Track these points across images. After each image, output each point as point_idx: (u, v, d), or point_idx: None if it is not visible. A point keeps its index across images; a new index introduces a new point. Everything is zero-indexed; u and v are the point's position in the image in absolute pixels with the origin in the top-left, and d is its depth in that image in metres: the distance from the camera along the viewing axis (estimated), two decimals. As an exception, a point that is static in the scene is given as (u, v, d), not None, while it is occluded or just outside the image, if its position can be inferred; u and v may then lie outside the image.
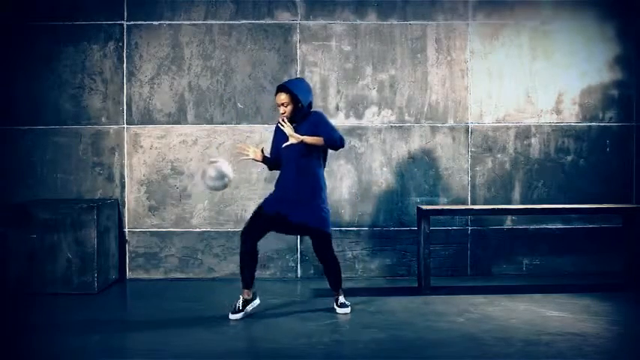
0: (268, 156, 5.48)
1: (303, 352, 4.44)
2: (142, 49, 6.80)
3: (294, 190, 5.24)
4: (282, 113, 5.25)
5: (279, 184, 5.35)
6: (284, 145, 5.22)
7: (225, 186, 5.16)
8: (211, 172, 5.07)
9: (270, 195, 5.38)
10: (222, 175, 5.07)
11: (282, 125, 5.21)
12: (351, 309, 5.40)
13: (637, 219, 6.33)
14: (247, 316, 5.29)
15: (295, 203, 5.23)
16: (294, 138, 5.15)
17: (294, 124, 5.25)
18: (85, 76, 6.80)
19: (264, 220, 5.28)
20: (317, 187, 5.27)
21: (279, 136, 5.37)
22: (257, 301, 5.39)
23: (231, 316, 5.25)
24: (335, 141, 5.21)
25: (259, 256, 6.84)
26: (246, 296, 5.30)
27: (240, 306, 5.28)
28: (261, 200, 5.43)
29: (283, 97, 5.22)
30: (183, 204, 6.81)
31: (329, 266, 5.37)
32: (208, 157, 6.77)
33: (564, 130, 6.94)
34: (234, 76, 6.83)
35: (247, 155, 5.38)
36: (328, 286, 6.01)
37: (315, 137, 5.19)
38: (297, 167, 5.25)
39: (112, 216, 6.59)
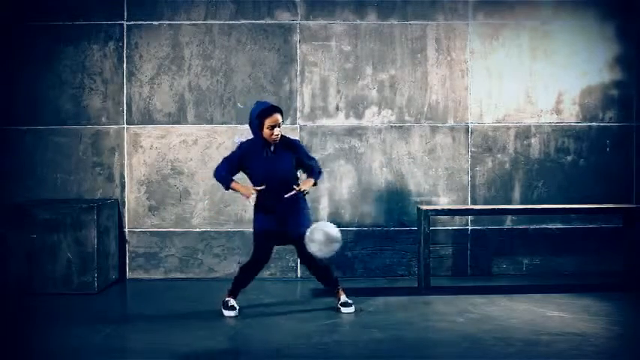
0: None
1: (303, 352, 4.44)
2: (142, 49, 6.80)
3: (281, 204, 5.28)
4: (277, 135, 5.17)
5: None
6: (288, 196, 5.18)
7: (336, 248, 5.12)
8: (319, 235, 5.05)
9: (255, 216, 5.36)
10: (330, 240, 5.06)
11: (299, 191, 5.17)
12: (354, 308, 5.40)
13: (637, 219, 6.33)
14: (247, 316, 5.30)
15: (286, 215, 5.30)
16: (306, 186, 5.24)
17: (272, 146, 5.25)
18: (85, 76, 6.80)
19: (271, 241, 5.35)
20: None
21: (256, 160, 5.25)
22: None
23: (228, 313, 5.32)
24: (319, 173, 5.38)
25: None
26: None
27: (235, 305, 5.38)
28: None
29: (280, 118, 5.20)
30: (183, 204, 6.81)
31: (318, 267, 5.38)
32: (209, 157, 6.78)
33: (564, 130, 6.94)
34: (234, 76, 6.83)
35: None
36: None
37: (308, 182, 5.29)
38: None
39: (112, 216, 6.59)
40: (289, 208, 5.25)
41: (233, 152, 5.37)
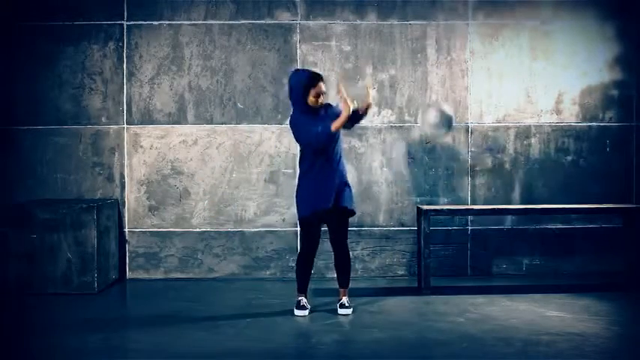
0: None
1: (303, 352, 4.44)
2: (142, 49, 6.80)
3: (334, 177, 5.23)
4: (322, 101, 5.18)
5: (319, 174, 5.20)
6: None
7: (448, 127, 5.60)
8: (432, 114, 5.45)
9: (308, 194, 5.21)
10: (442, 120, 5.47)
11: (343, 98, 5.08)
12: (353, 310, 5.38)
13: (637, 219, 6.32)
14: (247, 316, 5.30)
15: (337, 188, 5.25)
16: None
17: (320, 111, 5.24)
18: (85, 76, 6.80)
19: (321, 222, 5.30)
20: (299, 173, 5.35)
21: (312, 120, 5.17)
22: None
23: (297, 312, 5.30)
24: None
25: (260, 257, 6.86)
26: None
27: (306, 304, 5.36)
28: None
29: (324, 86, 5.22)
30: (183, 204, 6.81)
31: (346, 254, 5.37)
32: (209, 157, 6.78)
33: (564, 130, 6.94)
34: (234, 76, 6.83)
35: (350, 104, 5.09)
36: (328, 286, 6.02)
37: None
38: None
39: (112, 216, 6.59)
40: (341, 180, 5.24)
41: (304, 120, 5.17)
